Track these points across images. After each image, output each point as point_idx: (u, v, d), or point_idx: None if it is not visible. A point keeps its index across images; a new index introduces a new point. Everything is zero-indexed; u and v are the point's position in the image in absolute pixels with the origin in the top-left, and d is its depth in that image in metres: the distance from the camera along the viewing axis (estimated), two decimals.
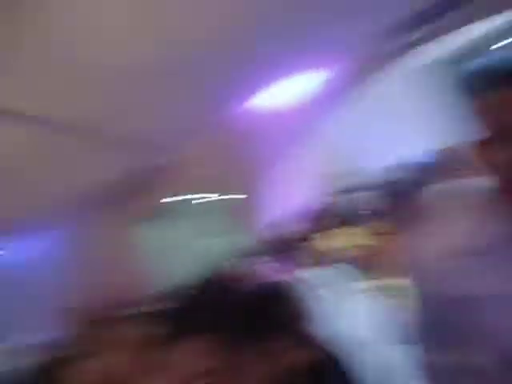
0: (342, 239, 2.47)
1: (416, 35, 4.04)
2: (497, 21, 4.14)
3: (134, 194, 5.41)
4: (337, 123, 4.66)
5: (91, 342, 1.55)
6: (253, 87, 4.31)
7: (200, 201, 5.79)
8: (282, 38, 3.33)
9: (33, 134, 3.38)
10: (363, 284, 2.17)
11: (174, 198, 5.54)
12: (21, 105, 2.92)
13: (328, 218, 2.94)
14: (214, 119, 4.61)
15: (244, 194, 4.80)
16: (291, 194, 4.64)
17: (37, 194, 4.67)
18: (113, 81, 3.12)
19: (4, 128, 3.12)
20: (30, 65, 2.57)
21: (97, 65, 2.84)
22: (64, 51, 2.56)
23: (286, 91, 4.49)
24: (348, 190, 3.67)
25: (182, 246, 6.20)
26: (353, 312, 2.00)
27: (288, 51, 3.59)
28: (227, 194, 5.08)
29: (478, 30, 4.21)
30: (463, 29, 4.08)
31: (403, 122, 4.56)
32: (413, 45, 4.14)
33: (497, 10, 3.87)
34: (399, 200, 2.32)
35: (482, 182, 0.84)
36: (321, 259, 2.35)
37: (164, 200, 5.52)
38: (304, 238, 2.64)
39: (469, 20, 3.97)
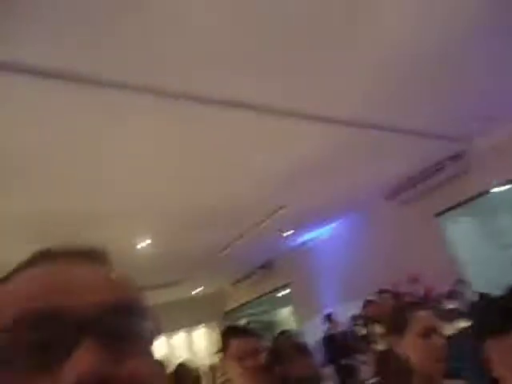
0: None
1: None
2: None
3: (439, 185, 5.19)
4: None
5: (391, 323, 1.59)
6: None
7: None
8: None
9: (338, 134, 3.75)
10: None
11: (483, 190, 4.95)
12: (326, 108, 3.30)
13: None
14: None
15: None
16: None
17: (344, 187, 5.17)
18: (408, 74, 3.09)
19: (314, 131, 3.58)
20: (342, 68, 2.85)
21: (390, 64, 2.89)
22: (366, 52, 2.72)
23: None
24: None
25: (487, 246, 5.53)
26: None
27: None
28: None
29: None
30: None
31: None
32: None
33: None
34: None
35: None
36: None
37: (470, 192, 5.01)
38: None
39: None
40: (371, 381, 3.45)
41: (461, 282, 4.23)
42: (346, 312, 5.87)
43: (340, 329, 5.64)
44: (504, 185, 4.73)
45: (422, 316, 1.43)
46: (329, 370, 5.11)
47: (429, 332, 1.36)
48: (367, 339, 3.69)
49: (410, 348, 1.37)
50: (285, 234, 6.49)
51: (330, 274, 7.10)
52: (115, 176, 3.48)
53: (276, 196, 4.86)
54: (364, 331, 4.43)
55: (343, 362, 5.04)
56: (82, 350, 0.31)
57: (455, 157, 4.91)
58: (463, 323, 2.56)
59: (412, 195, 5.50)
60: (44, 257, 0.39)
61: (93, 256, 0.40)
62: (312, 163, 4.20)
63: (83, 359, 0.30)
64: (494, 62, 3.21)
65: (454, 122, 4.08)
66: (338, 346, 5.33)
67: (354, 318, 5.14)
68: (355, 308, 5.66)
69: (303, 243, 7.57)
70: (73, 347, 0.31)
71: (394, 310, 1.72)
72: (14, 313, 0.32)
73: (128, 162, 3.32)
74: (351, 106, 3.37)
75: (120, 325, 0.34)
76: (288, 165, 4.14)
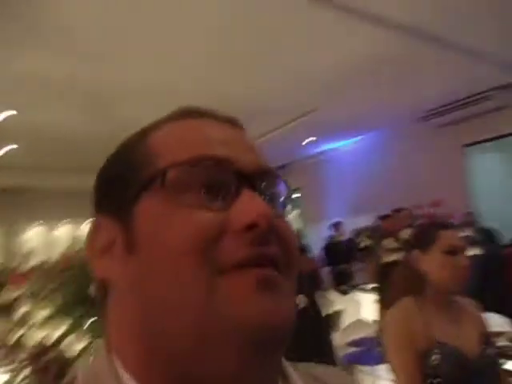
0: None
1: None
2: None
3: (477, 114, 4.94)
4: None
5: (415, 238, 1.61)
6: None
7: None
8: None
9: (390, 38, 3.45)
10: None
11: None
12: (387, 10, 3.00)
13: None
14: None
15: None
16: None
17: (379, 100, 4.94)
18: None
19: (365, 30, 3.29)
20: None
21: None
22: None
23: None
24: None
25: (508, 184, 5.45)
26: None
27: None
28: None
29: None
30: None
31: None
32: None
33: None
34: None
35: None
36: None
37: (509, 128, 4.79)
38: None
39: None
40: (368, 286, 3.73)
41: (473, 213, 4.28)
42: (353, 224, 6.07)
43: (344, 237, 5.88)
44: None
45: (449, 234, 1.44)
46: (327, 272, 5.45)
47: (455, 250, 1.38)
48: (371, 250, 3.87)
49: (434, 264, 1.40)
50: (307, 139, 6.41)
51: (344, 186, 7.18)
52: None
53: (308, 98, 4.67)
54: (368, 242, 4.64)
55: (342, 267, 5.36)
56: (249, 195, 0.35)
57: (502, 87, 4.59)
58: (474, 251, 2.68)
59: (447, 121, 5.30)
60: (195, 113, 0.42)
61: (236, 123, 0.43)
62: (352, 68, 3.96)
63: (257, 201, 0.34)
64: None
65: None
66: (339, 252, 5.61)
67: (361, 229, 5.33)
68: (363, 221, 5.84)
69: (323, 152, 7.53)
70: (238, 192, 0.35)
71: (420, 226, 1.74)
72: (192, 153, 0.36)
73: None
74: (411, 8, 3.07)
75: (271, 186, 0.39)
76: (327, 66, 3.91)
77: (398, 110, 5.40)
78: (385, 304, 1.72)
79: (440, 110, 5.24)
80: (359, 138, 6.91)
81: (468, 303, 1.47)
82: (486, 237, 3.25)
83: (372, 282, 3.48)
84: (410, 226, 3.33)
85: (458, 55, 3.78)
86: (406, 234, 2.89)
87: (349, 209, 6.92)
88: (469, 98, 4.86)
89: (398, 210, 3.86)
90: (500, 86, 4.57)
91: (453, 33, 3.43)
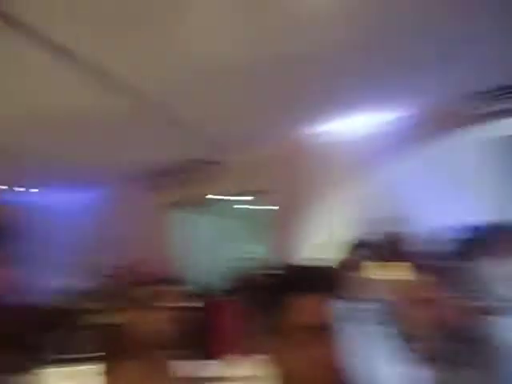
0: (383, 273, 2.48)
1: (499, 106, 4.06)
2: None
3: (184, 180, 5.61)
4: (392, 170, 4.63)
5: (119, 299, 1.65)
6: (328, 116, 4.45)
7: (243, 205, 5.90)
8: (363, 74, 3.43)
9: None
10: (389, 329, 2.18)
11: (221, 196, 5.71)
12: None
13: (369, 251, 2.99)
14: (286, 133, 4.77)
15: (290, 210, 4.89)
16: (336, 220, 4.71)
17: (97, 156, 4.96)
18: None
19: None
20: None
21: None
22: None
23: (356, 126, 4.63)
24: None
25: (211, 243, 6.37)
26: (374, 354, 2.00)
27: (366, 88, 3.69)
28: (272, 205, 5.19)
29: None
30: None
31: (461, 189, 4.41)
32: (494, 114, 4.12)
33: None
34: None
35: None
36: (360, 291, 2.38)
37: (211, 195, 5.68)
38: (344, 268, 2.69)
39: None
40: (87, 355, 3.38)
41: (182, 270, 4.72)
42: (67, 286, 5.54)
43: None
44: (242, 195, 5.65)
45: (165, 292, 1.53)
46: None
47: (173, 307, 1.47)
48: (82, 313, 3.60)
49: (143, 320, 1.44)
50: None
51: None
52: None
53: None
54: (80, 306, 4.30)
55: (45, 335, 4.70)
56: None
57: (210, 161, 5.45)
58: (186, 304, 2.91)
59: (158, 184, 5.80)
60: None
61: None
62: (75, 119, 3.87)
63: None
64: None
65: (230, 127, 4.51)
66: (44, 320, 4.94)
67: (77, 291, 4.90)
68: (78, 283, 5.41)
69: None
70: None
71: (134, 285, 1.78)
72: None
73: None
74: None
75: None
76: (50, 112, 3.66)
77: (115, 170, 5.57)
78: (107, 371, 1.62)
79: (151, 174, 5.70)
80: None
81: (166, 356, 1.56)
82: (196, 291, 3.62)
83: (85, 351, 3.19)
84: (130, 284, 3.31)
85: (174, 126, 4.26)
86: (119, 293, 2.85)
87: (60, 271, 6.33)
88: (181, 165, 5.52)
89: (115, 270, 3.84)
90: (207, 159, 5.42)
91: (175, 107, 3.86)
